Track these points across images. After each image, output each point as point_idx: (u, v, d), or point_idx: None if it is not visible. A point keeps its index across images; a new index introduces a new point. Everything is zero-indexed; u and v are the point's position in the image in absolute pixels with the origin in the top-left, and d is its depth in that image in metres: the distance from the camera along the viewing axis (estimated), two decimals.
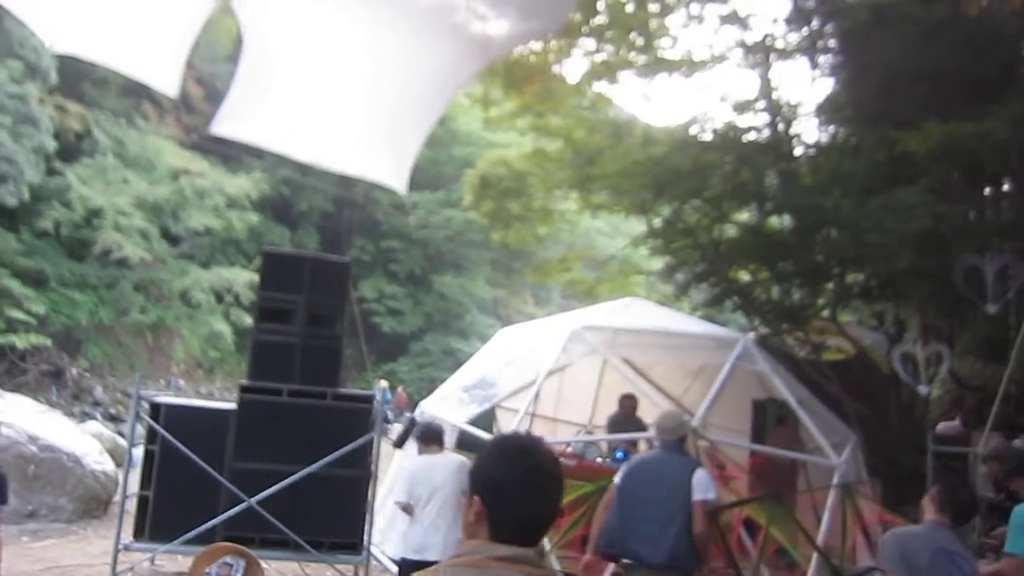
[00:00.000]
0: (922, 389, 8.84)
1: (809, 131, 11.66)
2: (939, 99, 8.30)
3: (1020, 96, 7.62)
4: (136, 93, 24.97)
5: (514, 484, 1.74)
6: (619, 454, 9.51)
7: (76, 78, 22.99)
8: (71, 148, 22.72)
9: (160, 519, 6.75)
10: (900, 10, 8.62)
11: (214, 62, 25.27)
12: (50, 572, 7.51)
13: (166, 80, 3.23)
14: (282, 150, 3.33)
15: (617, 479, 5.02)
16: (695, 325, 9.73)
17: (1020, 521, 4.10)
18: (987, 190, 10.47)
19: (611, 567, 6.77)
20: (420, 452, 5.91)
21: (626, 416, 9.44)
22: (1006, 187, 10.38)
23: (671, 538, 4.70)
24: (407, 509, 5.65)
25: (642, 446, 9.71)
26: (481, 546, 1.72)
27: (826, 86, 11.86)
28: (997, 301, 8.03)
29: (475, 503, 1.74)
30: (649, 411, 9.47)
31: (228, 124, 3.12)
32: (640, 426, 9.37)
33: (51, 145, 20.97)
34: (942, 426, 9.14)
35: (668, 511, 4.76)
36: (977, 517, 7.25)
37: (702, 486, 4.79)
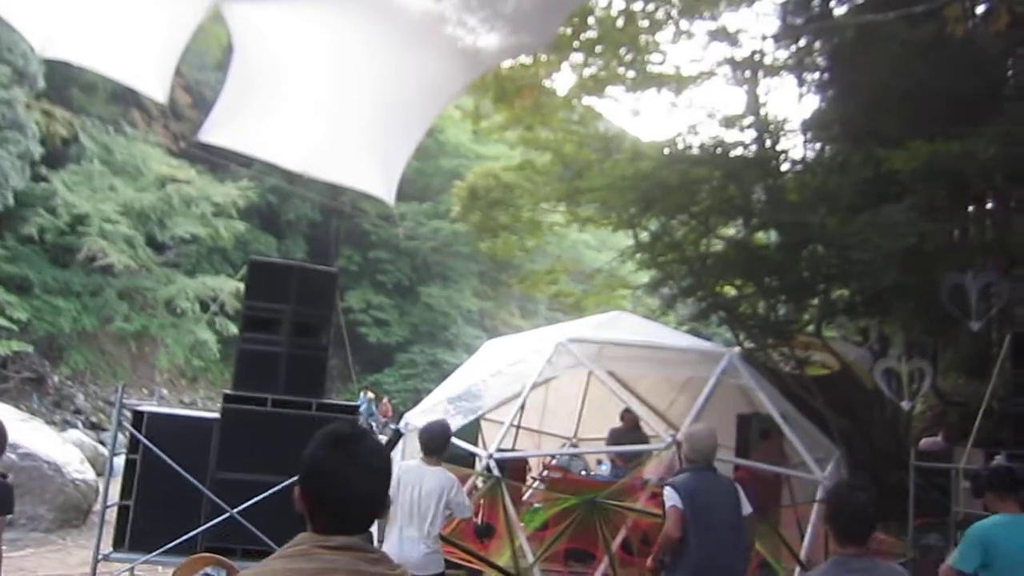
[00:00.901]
0: (905, 405, 8.89)
1: (796, 148, 11.73)
2: (925, 118, 8.39)
3: (1005, 116, 7.71)
4: (124, 100, 24.89)
5: (334, 474, 1.71)
6: (603, 467, 9.52)
7: (64, 84, 22.90)
8: (57, 154, 22.60)
9: (141, 529, 6.68)
10: (887, 30, 8.72)
11: (203, 70, 25.21)
12: None
13: (155, 86, 3.22)
14: (270, 158, 3.33)
15: (680, 503, 4.77)
16: (681, 339, 9.76)
17: (972, 539, 4.11)
18: (971, 208, 10.57)
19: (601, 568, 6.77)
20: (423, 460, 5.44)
21: (628, 430, 9.45)
22: (990, 205, 10.49)
23: (744, 558, 4.87)
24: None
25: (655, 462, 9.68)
26: (310, 537, 1.70)
27: (813, 103, 11.97)
28: (980, 318, 8.09)
29: (298, 494, 1.73)
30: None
31: (216, 131, 3.12)
32: (642, 439, 9.36)
33: (37, 151, 20.85)
34: (925, 442, 9.18)
35: (737, 533, 4.84)
36: (959, 532, 7.29)
37: (745, 500, 4.89)
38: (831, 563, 3.07)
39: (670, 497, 4.82)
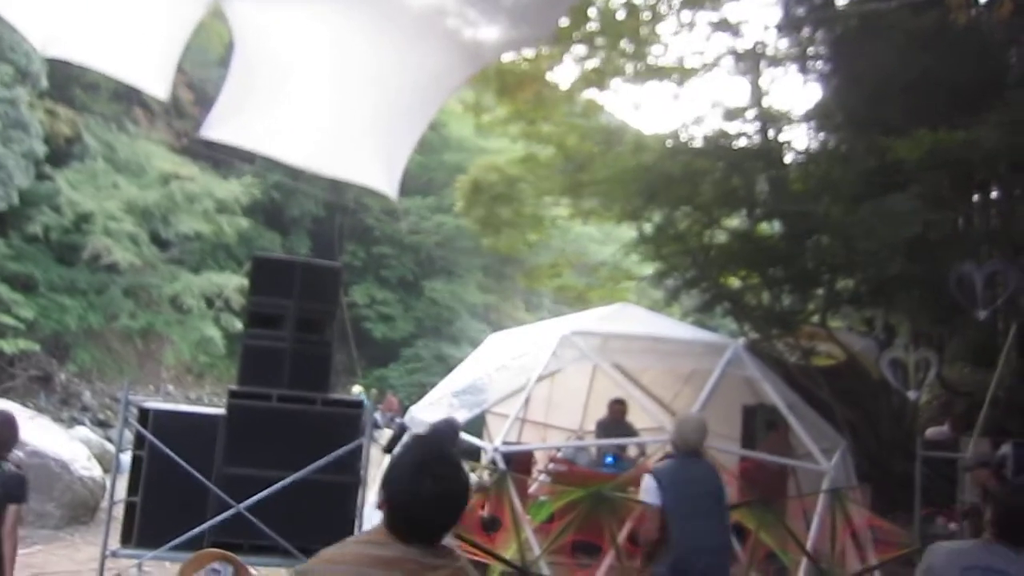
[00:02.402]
0: (911, 395, 8.87)
1: (799, 138, 11.72)
2: (929, 107, 8.37)
3: (1009, 104, 7.68)
4: (127, 98, 24.91)
5: (415, 501, 1.86)
6: (609, 459, 9.52)
7: (67, 82, 22.92)
8: (61, 153, 22.63)
9: (148, 525, 6.69)
10: (890, 19, 8.69)
11: (205, 67, 25.22)
12: None
13: (157, 83, 3.22)
14: (272, 154, 3.33)
15: (655, 499, 4.78)
16: (685, 331, 9.74)
17: None
18: (976, 197, 10.54)
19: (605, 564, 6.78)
20: None
21: (615, 421, 9.45)
22: (994, 194, 10.45)
23: (727, 545, 4.86)
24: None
25: (632, 451, 9.71)
26: (387, 534, 1.86)
27: (816, 93, 11.94)
28: (987, 307, 8.07)
29: (383, 496, 1.90)
30: (639, 416, 9.48)
31: (219, 127, 3.12)
32: (629, 431, 9.38)
33: (41, 150, 20.88)
34: (931, 431, 9.17)
35: (719, 520, 4.84)
36: (965, 522, 7.29)
37: (726, 489, 4.94)
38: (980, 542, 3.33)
39: (649, 490, 4.82)
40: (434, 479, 1.88)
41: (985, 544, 3.26)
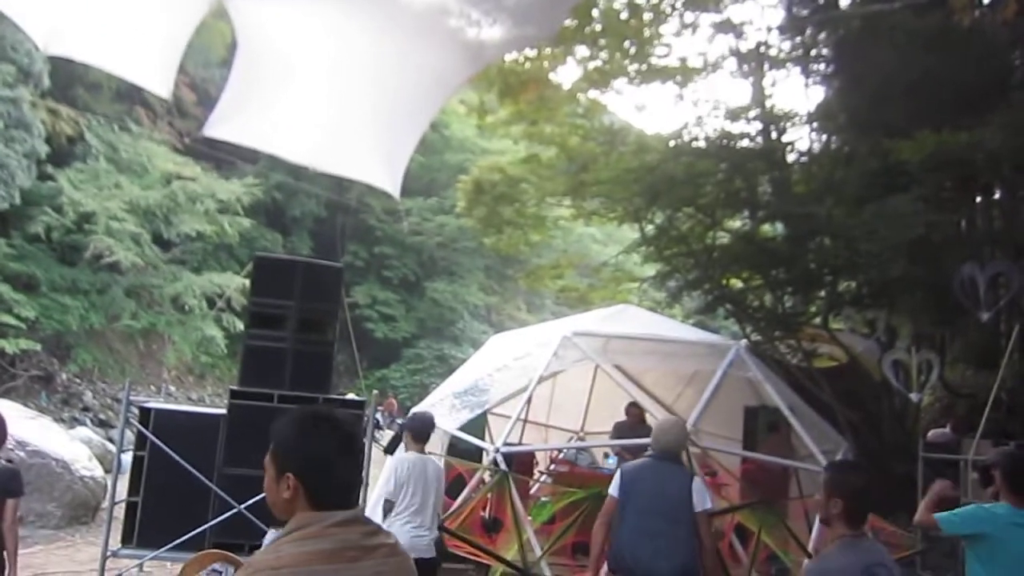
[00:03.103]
0: (913, 396, 8.86)
1: (802, 139, 11.69)
2: (932, 108, 8.35)
3: (1012, 106, 7.66)
4: (129, 98, 24.92)
5: (328, 457, 1.82)
6: (611, 460, 9.51)
7: (69, 82, 22.93)
8: (63, 152, 22.65)
9: (149, 525, 6.69)
10: (893, 20, 8.67)
11: (207, 67, 25.22)
12: None
13: (159, 82, 3.21)
14: (275, 151, 3.32)
15: (615, 491, 4.85)
16: (687, 332, 9.73)
17: (973, 510, 4.08)
18: (978, 199, 10.52)
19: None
20: (411, 447, 5.71)
21: (632, 425, 9.43)
22: (997, 196, 10.43)
23: (682, 550, 4.67)
24: (389, 506, 5.52)
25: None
26: (315, 516, 1.79)
27: (819, 95, 11.94)
28: (990, 309, 8.06)
29: (290, 481, 1.81)
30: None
31: (221, 126, 3.11)
32: (648, 433, 9.31)
33: (43, 149, 20.89)
34: (933, 433, 9.15)
35: (674, 523, 4.72)
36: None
37: (702, 497, 4.76)
38: (844, 542, 3.18)
39: (613, 483, 4.88)
40: (337, 431, 1.86)
41: (850, 543, 3.15)
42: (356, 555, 1.78)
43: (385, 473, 6.38)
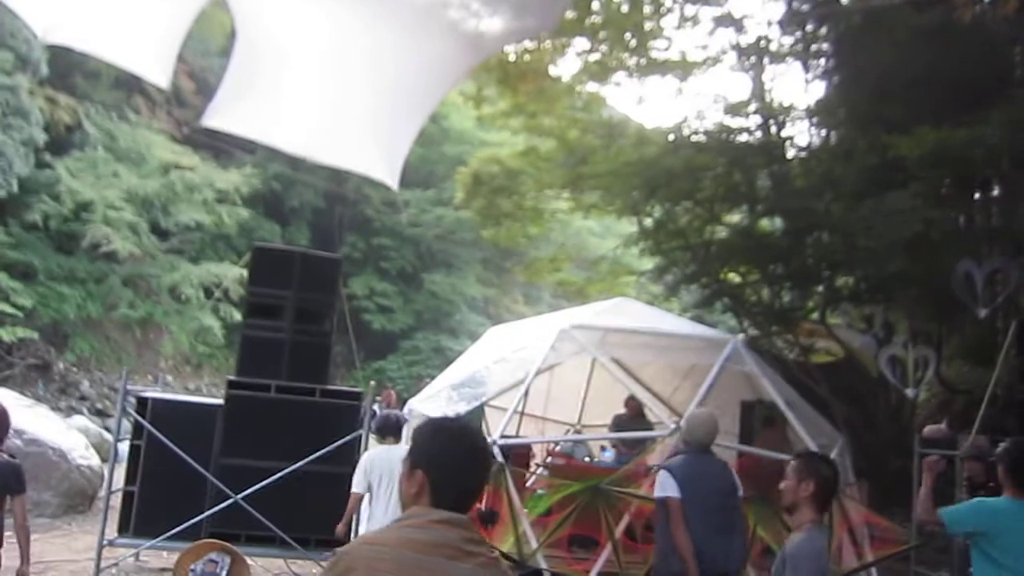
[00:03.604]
0: (910, 392, 8.88)
1: (801, 134, 11.69)
2: (931, 104, 8.35)
3: (1012, 102, 7.66)
4: (128, 86, 24.83)
5: (455, 461, 1.98)
6: (607, 454, 9.53)
7: (67, 70, 22.85)
8: (61, 141, 22.58)
9: (145, 515, 6.70)
10: (894, 15, 8.66)
11: (206, 56, 25.13)
12: (33, 567, 7.42)
13: (158, 71, 3.20)
14: (273, 142, 3.31)
15: (675, 492, 4.77)
16: (685, 326, 9.74)
17: (976, 505, 4.13)
18: (977, 195, 10.52)
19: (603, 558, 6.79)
20: (379, 443, 6.06)
21: (631, 417, 9.45)
22: (996, 192, 10.44)
23: (740, 542, 4.84)
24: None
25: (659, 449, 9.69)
26: (424, 511, 1.94)
27: (819, 89, 11.93)
28: (987, 305, 8.07)
29: (418, 476, 1.97)
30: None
31: (220, 116, 3.10)
32: (647, 426, 9.35)
33: (41, 137, 20.83)
34: (929, 429, 9.17)
35: (732, 516, 4.85)
36: None
37: (738, 482, 4.92)
38: (812, 528, 3.43)
39: (667, 486, 4.80)
40: (469, 445, 2.03)
41: (815, 530, 3.40)
42: (452, 554, 1.86)
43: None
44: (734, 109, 10.59)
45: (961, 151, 7.73)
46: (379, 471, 5.70)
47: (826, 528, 3.43)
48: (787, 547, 3.42)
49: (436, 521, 1.90)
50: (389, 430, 6.05)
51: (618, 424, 9.58)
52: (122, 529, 6.87)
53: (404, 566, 1.82)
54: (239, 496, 6.39)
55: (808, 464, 3.54)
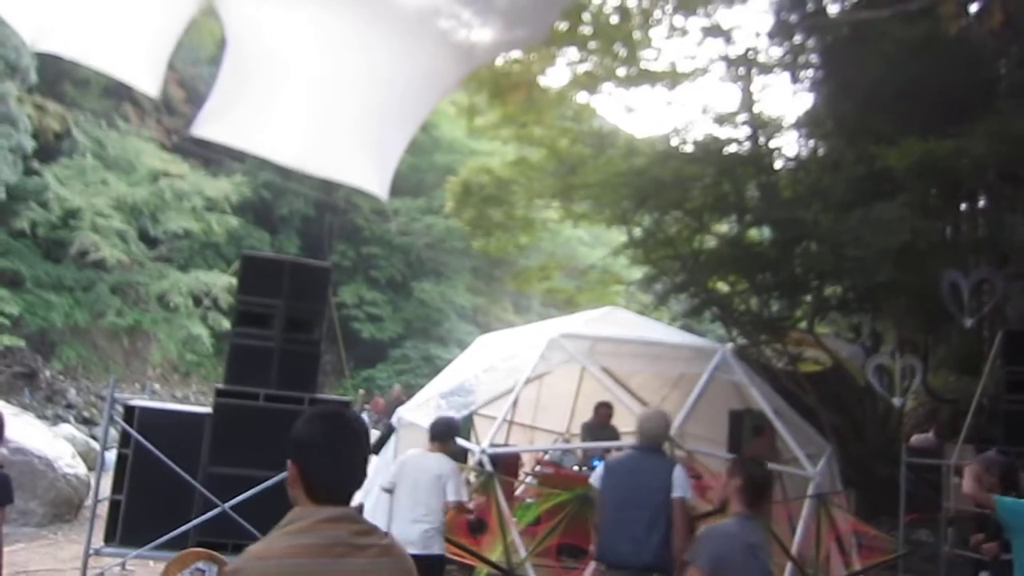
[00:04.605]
0: (897, 401, 8.92)
1: (790, 145, 11.80)
2: (918, 116, 8.42)
3: (998, 114, 7.73)
4: (117, 94, 24.77)
5: (324, 446, 1.90)
6: (595, 462, 9.52)
7: (57, 78, 22.78)
8: (50, 148, 22.49)
9: (132, 524, 6.66)
10: (881, 27, 8.74)
11: (196, 65, 25.10)
12: None
13: (148, 80, 3.20)
14: (263, 153, 3.31)
15: (596, 483, 5.03)
16: (674, 335, 9.76)
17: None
18: (963, 206, 10.61)
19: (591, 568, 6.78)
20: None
21: (601, 424, 9.45)
22: (982, 203, 10.52)
23: (655, 540, 4.74)
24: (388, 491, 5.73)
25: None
26: (306, 511, 1.87)
27: (807, 101, 12.04)
28: (973, 316, 8.13)
29: (290, 468, 1.90)
30: (626, 420, 9.47)
31: (209, 126, 3.10)
32: (614, 435, 9.38)
33: (29, 145, 20.74)
34: (916, 438, 9.23)
35: (652, 512, 4.79)
36: (950, 529, 7.33)
37: (681, 484, 4.83)
38: (740, 519, 3.57)
39: (595, 476, 5.12)
40: (341, 428, 1.94)
41: (742, 521, 3.55)
42: (344, 551, 1.83)
43: (370, 476, 6.54)
44: (723, 120, 10.66)
45: (948, 162, 7.80)
46: (408, 474, 5.64)
47: (755, 523, 3.59)
48: (705, 527, 3.63)
49: (320, 521, 1.85)
50: (437, 435, 5.91)
51: (587, 431, 9.59)
52: (108, 538, 6.82)
53: (296, 574, 1.78)
54: (227, 505, 6.37)
55: (738, 463, 3.81)
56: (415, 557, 2.10)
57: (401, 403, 11.49)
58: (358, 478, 1.98)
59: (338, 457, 1.92)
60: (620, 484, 4.90)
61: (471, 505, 6.25)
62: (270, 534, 1.89)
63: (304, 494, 1.89)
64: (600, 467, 5.14)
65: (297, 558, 1.80)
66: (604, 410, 9.42)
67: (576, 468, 9.83)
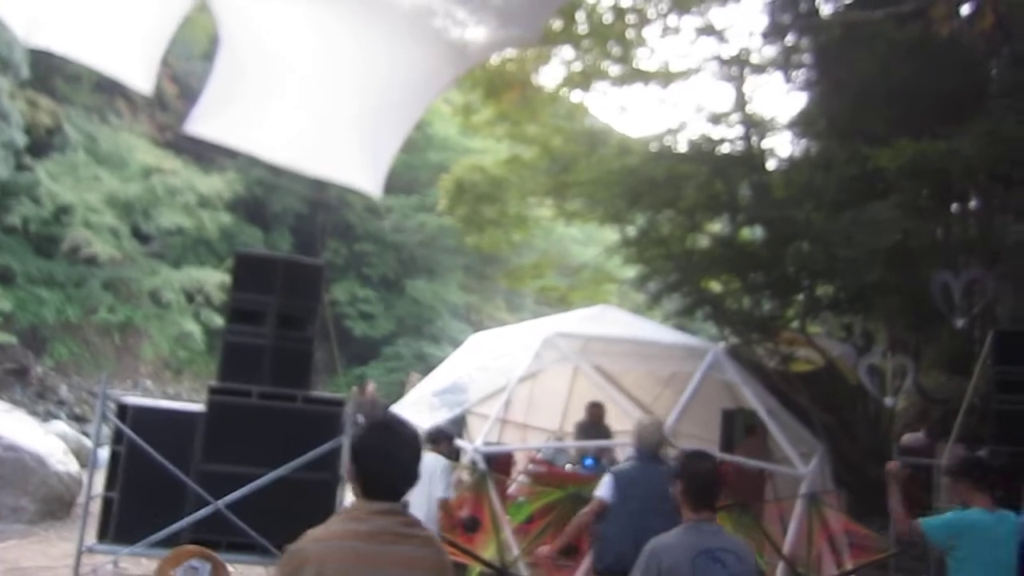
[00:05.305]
0: (888, 401, 8.96)
1: (782, 144, 11.83)
2: (910, 116, 8.45)
3: (989, 115, 7.77)
4: (109, 90, 24.66)
5: (380, 453, 2.23)
6: (587, 461, 9.54)
7: (48, 73, 22.67)
8: (41, 143, 22.39)
9: (125, 521, 6.65)
10: (874, 28, 8.77)
11: (189, 60, 25.01)
12: (10, 574, 7.39)
13: (141, 77, 3.20)
14: (256, 152, 3.32)
15: (606, 495, 5.09)
16: (666, 334, 9.78)
17: (954, 519, 4.21)
18: (955, 207, 10.65)
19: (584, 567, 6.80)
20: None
21: (593, 424, 9.47)
22: (973, 204, 10.57)
23: None
24: None
25: (619, 454, 9.75)
26: (363, 504, 2.20)
27: (800, 100, 12.08)
28: (964, 315, 8.17)
29: (351, 470, 2.24)
30: (619, 419, 9.51)
31: (202, 124, 3.10)
32: (606, 434, 9.40)
33: (21, 140, 20.65)
34: (907, 438, 9.26)
35: (666, 519, 4.85)
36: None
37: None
38: (685, 527, 3.31)
39: (604, 488, 5.15)
40: (393, 436, 2.26)
41: (688, 529, 3.27)
42: (392, 539, 2.14)
43: None
44: (716, 119, 10.68)
45: (939, 163, 7.83)
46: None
47: (712, 526, 3.28)
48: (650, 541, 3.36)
49: (374, 512, 2.15)
50: (429, 438, 6.36)
51: (579, 431, 9.61)
52: (101, 535, 6.81)
53: (349, 554, 2.09)
54: (220, 503, 6.36)
55: (681, 463, 3.54)
56: None
57: (375, 405, 11.51)
58: (409, 478, 2.27)
59: (388, 460, 2.22)
60: (634, 495, 5.02)
61: (455, 502, 6.39)
62: (329, 520, 2.23)
63: (361, 491, 2.21)
64: (607, 479, 5.20)
65: (351, 541, 2.11)
66: (595, 410, 9.44)
67: (569, 466, 9.85)
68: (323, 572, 2.07)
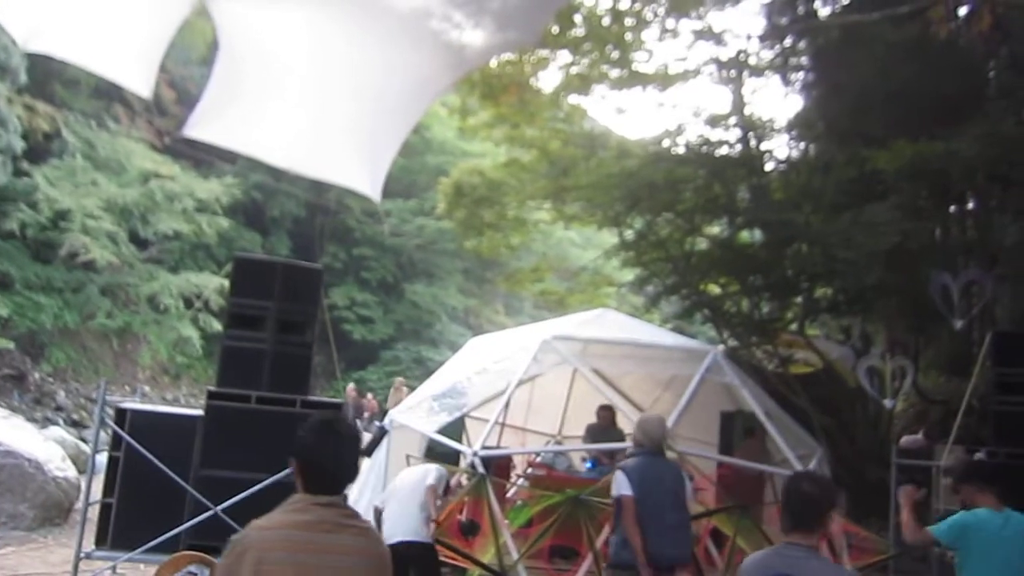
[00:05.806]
0: (887, 403, 8.95)
1: (780, 147, 11.81)
2: (908, 118, 8.46)
3: (987, 116, 7.78)
4: (107, 95, 24.66)
5: (319, 448, 2.33)
6: (589, 465, 9.53)
7: (46, 78, 22.66)
8: (39, 149, 22.37)
9: (123, 527, 6.63)
10: (872, 30, 8.78)
11: (187, 65, 25.00)
12: None
13: (140, 81, 3.20)
14: (255, 154, 3.31)
15: (629, 491, 5.08)
16: (665, 337, 9.77)
17: (961, 519, 4.21)
18: (953, 208, 10.66)
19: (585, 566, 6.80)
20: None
21: (603, 427, 9.45)
22: (971, 206, 10.58)
23: (688, 537, 5.22)
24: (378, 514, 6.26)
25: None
26: (304, 496, 2.31)
27: (798, 103, 12.07)
28: (963, 317, 8.17)
29: (294, 463, 2.35)
30: (620, 421, 9.49)
31: (201, 127, 3.10)
32: (620, 437, 9.36)
33: (19, 145, 20.63)
34: (906, 439, 9.25)
35: (681, 512, 5.17)
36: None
37: (689, 486, 5.29)
38: (777, 548, 3.12)
39: (622, 485, 5.12)
40: (334, 434, 2.36)
41: (778, 550, 3.09)
42: (330, 528, 2.24)
43: (362, 478, 7.08)
44: (714, 122, 10.68)
45: (937, 165, 7.84)
46: (396, 488, 6.45)
47: (785, 551, 3.03)
48: None
49: (314, 504, 2.27)
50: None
51: (592, 434, 9.58)
52: (99, 541, 6.79)
53: (289, 542, 2.21)
54: (219, 508, 6.35)
55: (785, 482, 3.45)
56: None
57: (360, 408, 11.47)
58: (348, 474, 2.41)
59: (330, 457, 2.33)
60: (651, 490, 5.08)
61: (454, 506, 6.49)
62: (273, 511, 2.32)
63: (303, 485, 2.31)
64: (621, 476, 5.18)
65: (292, 530, 2.23)
66: (606, 413, 9.41)
67: (568, 470, 9.84)
68: (264, 559, 2.19)
